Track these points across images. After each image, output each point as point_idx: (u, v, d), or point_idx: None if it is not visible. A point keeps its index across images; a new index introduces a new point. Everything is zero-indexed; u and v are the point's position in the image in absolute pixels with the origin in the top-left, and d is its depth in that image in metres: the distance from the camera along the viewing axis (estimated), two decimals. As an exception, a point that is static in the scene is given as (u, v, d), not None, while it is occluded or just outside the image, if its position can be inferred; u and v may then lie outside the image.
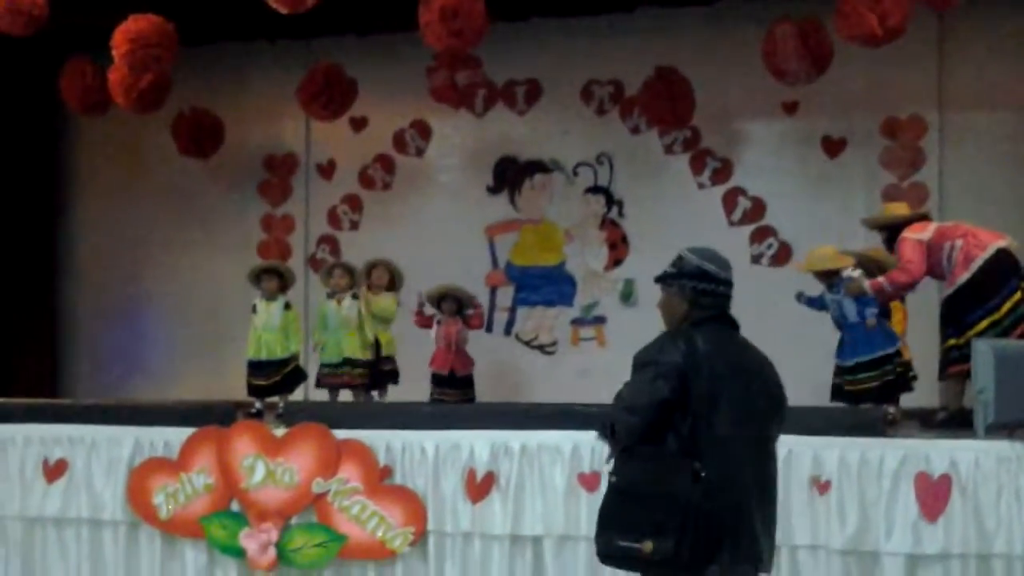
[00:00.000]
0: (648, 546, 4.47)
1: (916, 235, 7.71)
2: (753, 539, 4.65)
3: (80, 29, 10.20)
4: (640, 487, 4.54)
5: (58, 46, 10.73)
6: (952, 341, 7.60)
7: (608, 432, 4.66)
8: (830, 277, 8.08)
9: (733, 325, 4.80)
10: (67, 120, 11.93)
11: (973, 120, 10.10)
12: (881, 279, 7.80)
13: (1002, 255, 7.53)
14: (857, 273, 7.98)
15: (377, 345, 9.40)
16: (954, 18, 9.74)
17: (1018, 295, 7.43)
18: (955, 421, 7.38)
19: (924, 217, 8.10)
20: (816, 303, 8.27)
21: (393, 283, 9.54)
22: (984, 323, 7.40)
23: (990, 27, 9.86)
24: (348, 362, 9.30)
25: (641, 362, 4.63)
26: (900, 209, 8.31)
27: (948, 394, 7.79)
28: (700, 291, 4.72)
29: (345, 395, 9.53)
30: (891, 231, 7.93)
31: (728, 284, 4.78)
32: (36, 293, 11.90)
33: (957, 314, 7.57)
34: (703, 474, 4.50)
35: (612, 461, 4.70)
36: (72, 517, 7.87)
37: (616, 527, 4.56)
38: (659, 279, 4.88)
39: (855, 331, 8.00)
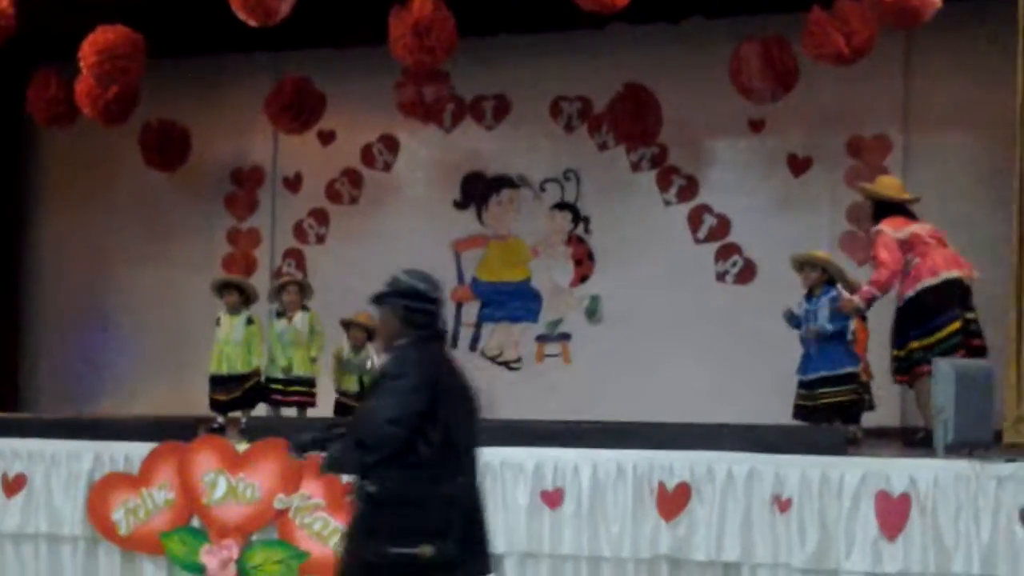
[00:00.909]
0: (426, 551, 4.72)
1: (893, 232, 7.76)
2: (489, 537, 5.04)
3: (48, 40, 10.14)
4: (410, 494, 4.77)
5: (26, 57, 10.66)
6: (894, 352, 7.85)
7: (355, 447, 4.83)
8: (818, 286, 8.06)
9: (443, 340, 5.18)
10: (33, 131, 11.84)
11: (938, 139, 10.15)
12: (866, 287, 7.82)
13: (951, 284, 7.64)
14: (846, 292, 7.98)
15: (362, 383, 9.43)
16: (920, 38, 9.80)
17: (956, 324, 7.57)
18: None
19: (908, 210, 8.04)
20: (794, 321, 8.25)
21: (371, 337, 9.51)
22: (915, 344, 7.63)
23: (955, 47, 9.91)
24: (297, 380, 9.25)
25: (391, 375, 4.88)
26: (894, 188, 8.24)
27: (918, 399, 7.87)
28: (411, 309, 4.98)
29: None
30: (879, 207, 8.03)
31: (438, 303, 5.08)
32: (-2, 305, 11.82)
33: (900, 327, 7.79)
34: (468, 478, 4.89)
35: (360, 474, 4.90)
36: (31, 532, 7.81)
37: (386, 535, 4.76)
38: (373, 299, 5.13)
39: (823, 344, 8.01)
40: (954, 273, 7.67)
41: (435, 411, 4.80)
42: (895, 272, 7.71)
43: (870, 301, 7.84)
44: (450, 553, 4.73)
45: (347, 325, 9.46)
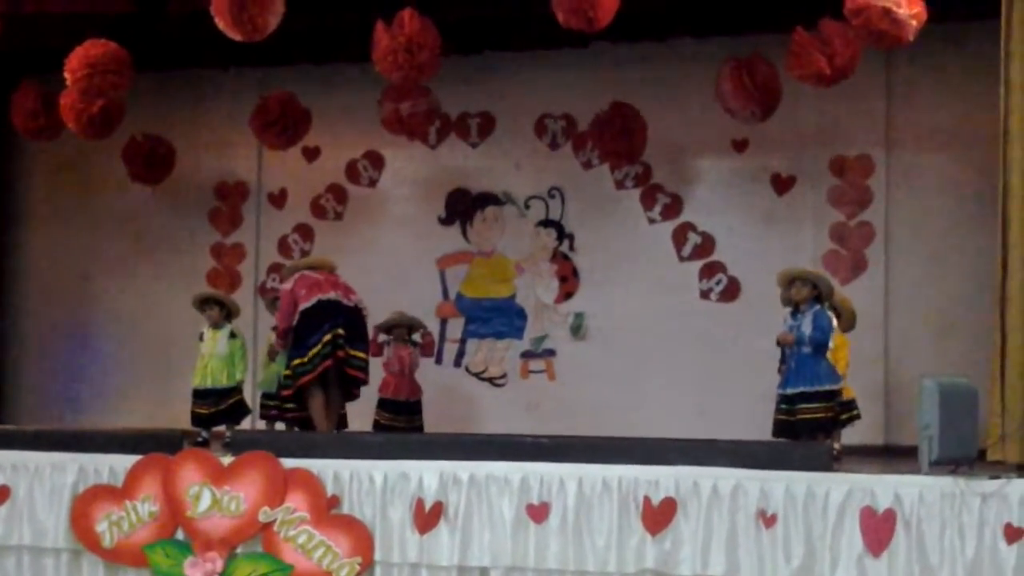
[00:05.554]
0: None
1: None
2: None
3: (34, 53, 10.14)
4: None
5: (11, 69, 10.66)
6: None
7: None
8: (805, 302, 8.09)
9: None
10: (17, 144, 11.81)
11: (920, 160, 10.23)
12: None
13: (322, 304, 8.71)
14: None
15: None
16: (901, 59, 9.91)
17: (328, 336, 8.64)
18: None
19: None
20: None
21: None
22: (297, 361, 8.69)
23: (938, 68, 10.01)
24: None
25: None
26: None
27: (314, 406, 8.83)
28: None
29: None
30: None
31: None
32: (-19, 318, 11.77)
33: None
34: None
35: None
36: (13, 544, 7.76)
37: None
38: None
39: (803, 358, 8.03)
40: (327, 295, 8.78)
41: None
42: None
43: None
44: None
45: None
